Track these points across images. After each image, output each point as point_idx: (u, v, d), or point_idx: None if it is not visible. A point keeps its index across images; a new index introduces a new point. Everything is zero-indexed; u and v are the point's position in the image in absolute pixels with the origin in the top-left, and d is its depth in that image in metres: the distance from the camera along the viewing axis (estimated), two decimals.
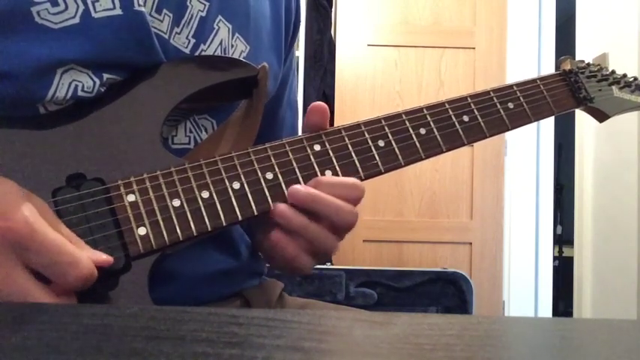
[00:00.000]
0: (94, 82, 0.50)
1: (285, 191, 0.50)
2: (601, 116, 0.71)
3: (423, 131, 0.56)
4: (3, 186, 0.40)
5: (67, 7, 0.48)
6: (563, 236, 3.58)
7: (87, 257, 0.40)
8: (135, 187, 0.47)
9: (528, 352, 0.25)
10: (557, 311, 3.00)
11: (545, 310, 2.65)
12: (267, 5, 0.66)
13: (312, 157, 0.52)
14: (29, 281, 0.38)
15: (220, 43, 0.58)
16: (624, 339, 0.28)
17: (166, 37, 0.54)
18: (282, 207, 0.49)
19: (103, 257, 0.42)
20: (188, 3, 0.55)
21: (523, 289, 2.65)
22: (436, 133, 0.57)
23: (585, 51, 2.32)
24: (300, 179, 0.51)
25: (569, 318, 2.07)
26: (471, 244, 2.53)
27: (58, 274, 0.39)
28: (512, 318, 0.60)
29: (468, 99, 0.60)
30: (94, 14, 0.49)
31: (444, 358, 0.23)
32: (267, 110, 0.61)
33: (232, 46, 0.60)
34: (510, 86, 0.63)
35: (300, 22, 0.74)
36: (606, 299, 2.18)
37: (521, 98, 0.62)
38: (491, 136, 0.60)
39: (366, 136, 0.54)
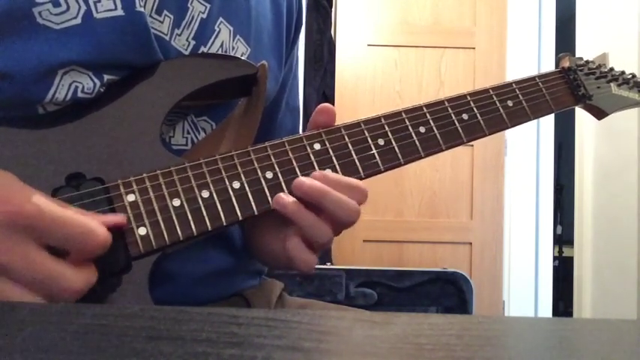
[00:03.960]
0: (95, 84, 0.50)
1: (286, 190, 0.50)
2: (600, 114, 0.71)
3: (422, 130, 0.56)
4: (4, 176, 0.41)
5: (68, 8, 0.48)
6: (563, 236, 3.58)
7: (99, 224, 0.41)
8: (135, 186, 0.47)
9: (528, 352, 0.25)
10: (557, 311, 3.00)
11: (545, 310, 2.65)
12: (269, 7, 0.66)
13: (311, 155, 0.52)
14: (48, 259, 0.39)
15: (221, 45, 0.58)
16: (624, 339, 0.28)
17: (167, 38, 0.54)
18: (290, 202, 0.48)
19: (117, 218, 0.43)
20: (189, 4, 0.55)
21: (523, 289, 2.65)
22: (436, 131, 0.57)
23: (585, 51, 2.32)
24: None
25: (569, 318, 2.07)
26: (471, 244, 2.53)
27: (75, 246, 0.39)
28: (512, 318, 0.60)
29: (468, 97, 0.60)
30: (95, 15, 0.49)
31: (444, 358, 0.23)
32: (265, 114, 0.61)
33: (233, 48, 0.60)
34: (509, 84, 0.63)
35: (301, 24, 0.73)
36: (606, 299, 2.18)
37: (520, 96, 0.62)
38: (490, 134, 0.60)
39: (366, 134, 0.54)
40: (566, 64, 0.69)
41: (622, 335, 0.29)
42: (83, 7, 0.48)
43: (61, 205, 0.40)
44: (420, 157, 0.56)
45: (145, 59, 0.52)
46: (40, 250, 0.39)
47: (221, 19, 0.58)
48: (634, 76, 0.73)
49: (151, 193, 0.47)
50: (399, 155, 0.55)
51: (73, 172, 0.46)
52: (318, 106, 0.54)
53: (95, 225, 0.40)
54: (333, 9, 2.60)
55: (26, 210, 0.38)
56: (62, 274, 0.39)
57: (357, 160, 0.53)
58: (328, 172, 0.51)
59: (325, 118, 0.54)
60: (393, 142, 0.55)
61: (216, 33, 0.58)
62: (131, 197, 0.46)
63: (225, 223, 0.48)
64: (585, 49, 2.34)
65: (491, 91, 0.61)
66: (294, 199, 0.48)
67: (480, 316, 0.60)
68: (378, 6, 2.60)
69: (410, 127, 0.56)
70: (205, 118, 0.59)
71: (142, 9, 0.50)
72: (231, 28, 0.59)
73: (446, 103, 0.58)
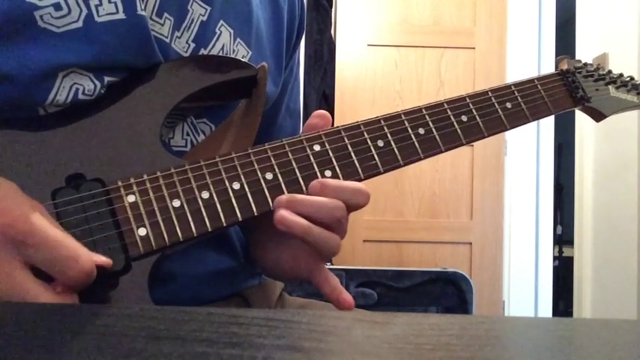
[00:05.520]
0: (95, 85, 0.50)
1: (285, 191, 0.50)
2: (598, 116, 0.71)
3: (421, 131, 0.56)
4: (5, 187, 0.41)
5: (70, 11, 0.48)
6: (563, 236, 3.58)
7: (87, 252, 0.40)
8: (135, 187, 0.47)
9: (528, 352, 0.25)
10: (557, 311, 3.00)
11: (545, 310, 2.65)
12: (269, 11, 0.66)
13: (311, 157, 0.52)
14: (29, 279, 0.38)
15: (222, 48, 0.58)
16: (624, 339, 0.29)
17: (167, 40, 0.54)
18: (283, 212, 0.48)
19: (103, 259, 0.42)
20: (189, 7, 0.55)
21: (523, 289, 2.65)
22: (435, 133, 0.57)
23: (585, 51, 2.32)
24: (300, 179, 0.51)
25: (569, 318, 2.07)
26: (470, 244, 2.53)
27: (59, 269, 0.39)
28: (512, 318, 0.60)
29: (467, 99, 0.60)
30: (97, 18, 0.49)
31: (444, 358, 0.23)
32: (265, 117, 0.61)
33: (234, 51, 0.60)
34: (508, 86, 0.63)
35: (303, 30, 0.73)
36: (606, 299, 2.18)
37: (519, 98, 0.63)
38: (489, 135, 0.60)
39: (366, 136, 0.54)
40: (564, 66, 0.70)
41: (622, 335, 0.29)
42: (85, 11, 0.48)
43: (55, 227, 0.40)
44: (420, 159, 0.56)
45: (146, 62, 0.52)
46: (23, 268, 0.38)
47: (222, 21, 0.58)
48: (632, 78, 0.74)
49: (151, 194, 0.47)
50: (399, 157, 0.55)
51: (73, 173, 0.47)
52: (316, 111, 0.55)
53: (83, 252, 0.40)
54: (333, 9, 2.60)
55: (18, 224, 0.38)
56: (37, 297, 0.38)
57: (356, 162, 0.53)
58: (327, 174, 0.51)
59: (322, 122, 0.54)
60: (393, 144, 0.55)
61: (217, 36, 0.58)
62: (131, 198, 0.46)
63: (225, 224, 0.48)
64: (585, 49, 2.34)
65: (490, 93, 0.61)
66: (301, 218, 0.47)
67: (479, 316, 0.60)
68: (378, 6, 2.60)
69: (409, 129, 0.56)
70: (205, 120, 0.59)
71: (143, 12, 0.51)
72: (232, 31, 0.59)
73: (445, 105, 0.58)
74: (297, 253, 0.52)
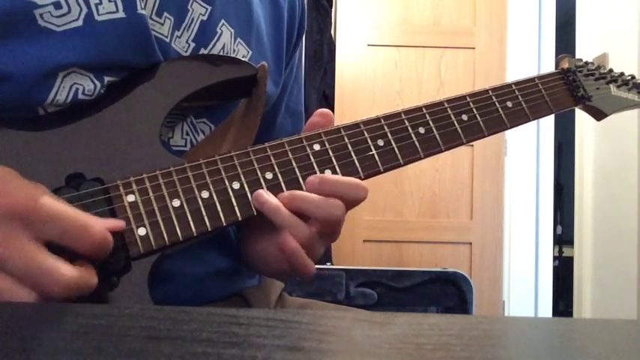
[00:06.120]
0: (95, 85, 0.50)
1: (285, 191, 0.50)
2: (599, 115, 0.71)
3: (422, 130, 0.56)
4: (6, 172, 0.41)
5: (70, 10, 0.48)
6: (563, 236, 3.58)
7: (97, 219, 0.41)
8: (134, 187, 0.47)
9: (528, 352, 0.25)
10: (557, 311, 3.00)
11: (545, 310, 2.65)
12: (269, 11, 0.66)
13: (311, 156, 0.52)
14: (42, 251, 0.39)
15: (223, 48, 0.58)
16: (624, 339, 0.29)
17: (167, 40, 0.54)
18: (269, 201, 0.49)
19: (114, 222, 0.43)
20: (189, 7, 0.55)
21: (523, 289, 2.65)
22: (435, 132, 0.57)
23: (585, 51, 2.32)
24: (300, 179, 0.51)
25: (569, 318, 2.07)
26: (470, 244, 2.53)
27: (73, 240, 0.39)
28: (512, 318, 0.60)
29: (467, 98, 0.60)
30: (97, 17, 0.49)
31: (444, 358, 0.23)
32: (265, 117, 0.61)
33: (234, 50, 0.60)
34: (509, 85, 0.63)
35: (304, 30, 0.73)
36: (606, 299, 2.18)
37: (519, 97, 0.62)
38: (490, 135, 0.60)
39: (366, 135, 0.54)
40: (565, 65, 0.70)
41: (622, 335, 0.29)
42: (84, 10, 0.48)
43: (60, 202, 0.41)
44: (420, 158, 0.56)
45: (146, 61, 0.52)
46: (35, 243, 0.39)
47: (223, 21, 0.58)
48: (633, 77, 0.74)
49: (151, 194, 0.47)
50: (399, 156, 0.55)
51: (73, 173, 0.47)
52: (318, 110, 0.55)
53: (93, 221, 0.41)
54: (333, 9, 2.60)
55: (24, 203, 0.38)
56: (55, 267, 0.38)
57: (356, 161, 0.53)
58: (327, 173, 0.51)
59: (324, 121, 0.54)
60: (393, 143, 0.55)
61: (218, 35, 0.58)
62: (131, 198, 0.46)
63: (224, 224, 0.48)
64: (585, 49, 2.34)
65: (490, 92, 0.61)
66: (275, 198, 0.49)
67: (479, 316, 0.60)
68: (378, 6, 2.60)
69: (409, 128, 0.56)
70: (204, 120, 0.59)
71: (143, 11, 0.51)
72: (233, 31, 0.59)
73: (445, 104, 0.58)
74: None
